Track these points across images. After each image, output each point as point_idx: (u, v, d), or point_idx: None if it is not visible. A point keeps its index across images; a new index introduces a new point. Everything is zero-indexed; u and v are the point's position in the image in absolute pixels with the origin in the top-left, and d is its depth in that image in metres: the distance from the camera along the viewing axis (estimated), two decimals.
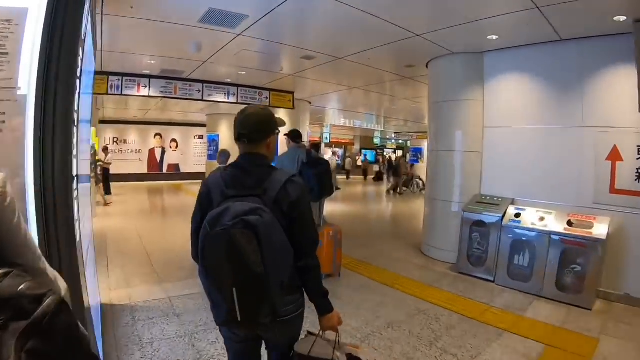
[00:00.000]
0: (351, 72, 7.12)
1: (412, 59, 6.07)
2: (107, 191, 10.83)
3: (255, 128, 1.56)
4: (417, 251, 6.24)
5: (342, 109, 13.24)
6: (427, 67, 6.21)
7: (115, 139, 16.27)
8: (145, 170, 17.42)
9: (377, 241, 7.04)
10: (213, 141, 14.02)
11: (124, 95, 7.30)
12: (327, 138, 23.22)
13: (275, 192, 1.47)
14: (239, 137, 1.57)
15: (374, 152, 28.94)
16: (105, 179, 10.79)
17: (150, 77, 7.47)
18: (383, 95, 9.96)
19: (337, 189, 15.47)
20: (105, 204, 10.15)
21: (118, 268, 5.05)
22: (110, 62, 6.59)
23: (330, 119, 16.99)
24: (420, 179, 12.75)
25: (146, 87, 7.48)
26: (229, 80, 8.25)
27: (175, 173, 18.09)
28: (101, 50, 5.73)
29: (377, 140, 28.36)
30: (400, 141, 27.96)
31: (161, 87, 7.67)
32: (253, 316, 1.38)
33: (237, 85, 8.52)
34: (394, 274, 5.11)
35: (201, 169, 16.93)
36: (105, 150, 11.34)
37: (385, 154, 28.97)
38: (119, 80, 7.16)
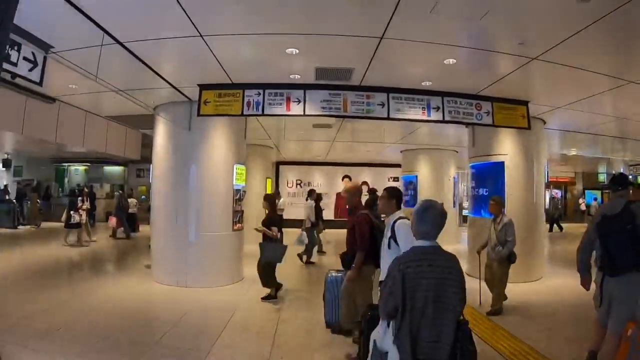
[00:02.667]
0: None
1: None
2: None
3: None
4: None
5: (585, 130, 8.29)
6: None
7: (298, 182, 15.03)
8: (331, 217, 15.54)
9: None
10: (410, 183, 11.65)
11: (267, 115, 4.86)
12: (545, 175, 17.08)
13: None
14: None
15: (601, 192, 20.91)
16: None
17: (305, 86, 4.86)
18: None
19: None
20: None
21: None
22: (239, 68, 4.27)
23: (555, 148, 11.57)
24: None
25: (299, 101, 4.87)
26: (427, 84, 5.01)
27: None
28: (203, 35, 3.29)
29: (602, 177, 20.92)
30: (630, 176, 19.61)
31: (322, 100, 4.96)
32: None
33: (442, 94, 5.19)
34: None
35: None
36: (276, 194, 9.55)
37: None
38: (259, 94, 4.80)
